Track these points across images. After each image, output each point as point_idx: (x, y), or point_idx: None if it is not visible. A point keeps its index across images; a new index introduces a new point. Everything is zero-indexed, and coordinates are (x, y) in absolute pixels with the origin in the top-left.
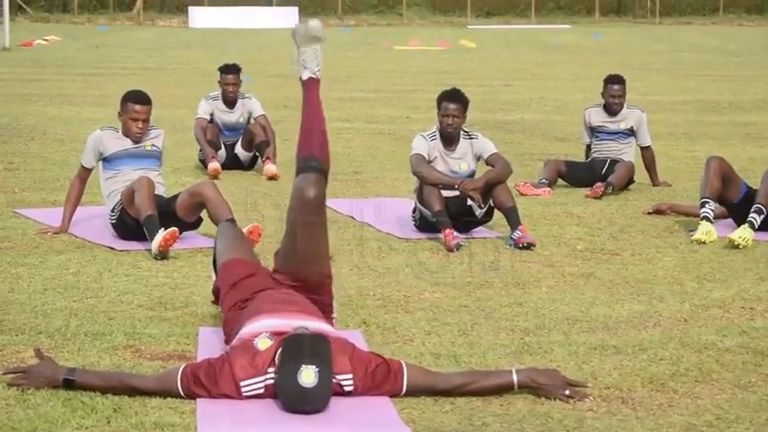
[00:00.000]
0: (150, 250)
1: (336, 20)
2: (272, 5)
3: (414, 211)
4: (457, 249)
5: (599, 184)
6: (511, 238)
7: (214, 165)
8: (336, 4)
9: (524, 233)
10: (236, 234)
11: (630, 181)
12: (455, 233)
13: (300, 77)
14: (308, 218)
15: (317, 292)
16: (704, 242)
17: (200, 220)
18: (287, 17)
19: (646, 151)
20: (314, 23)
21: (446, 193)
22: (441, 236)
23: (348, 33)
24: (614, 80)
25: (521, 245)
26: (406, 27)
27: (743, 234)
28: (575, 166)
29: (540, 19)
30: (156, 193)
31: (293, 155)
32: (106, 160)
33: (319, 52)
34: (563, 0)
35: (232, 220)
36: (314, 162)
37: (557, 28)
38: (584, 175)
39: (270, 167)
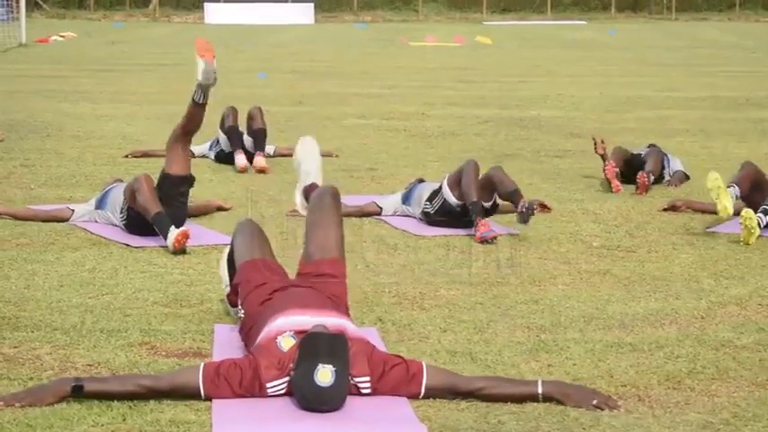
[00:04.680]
0: (166, 247)
1: (352, 16)
2: (287, 2)
3: (431, 199)
4: (489, 242)
5: (641, 173)
6: (519, 213)
7: (242, 163)
8: None
9: (525, 200)
10: (255, 231)
11: (662, 166)
12: (490, 225)
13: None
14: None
15: (333, 291)
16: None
17: (192, 178)
18: (303, 13)
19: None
20: (309, 140)
21: (453, 198)
22: (457, 231)
23: (364, 29)
24: None
25: (524, 207)
26: (421, 23)
27: (751, 215)
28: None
29: (556, 15)
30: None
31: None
32: (101, 202)
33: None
34: None
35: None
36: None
37: (572, 24)
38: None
39: (259, 160)
